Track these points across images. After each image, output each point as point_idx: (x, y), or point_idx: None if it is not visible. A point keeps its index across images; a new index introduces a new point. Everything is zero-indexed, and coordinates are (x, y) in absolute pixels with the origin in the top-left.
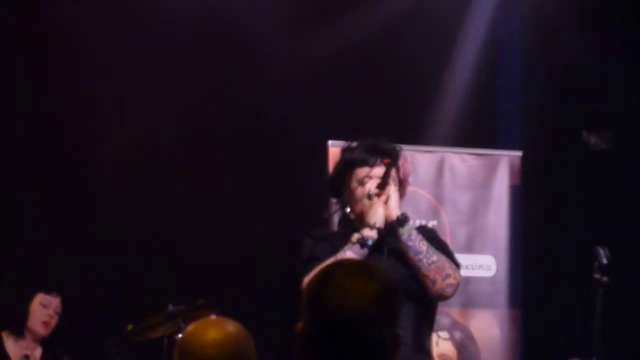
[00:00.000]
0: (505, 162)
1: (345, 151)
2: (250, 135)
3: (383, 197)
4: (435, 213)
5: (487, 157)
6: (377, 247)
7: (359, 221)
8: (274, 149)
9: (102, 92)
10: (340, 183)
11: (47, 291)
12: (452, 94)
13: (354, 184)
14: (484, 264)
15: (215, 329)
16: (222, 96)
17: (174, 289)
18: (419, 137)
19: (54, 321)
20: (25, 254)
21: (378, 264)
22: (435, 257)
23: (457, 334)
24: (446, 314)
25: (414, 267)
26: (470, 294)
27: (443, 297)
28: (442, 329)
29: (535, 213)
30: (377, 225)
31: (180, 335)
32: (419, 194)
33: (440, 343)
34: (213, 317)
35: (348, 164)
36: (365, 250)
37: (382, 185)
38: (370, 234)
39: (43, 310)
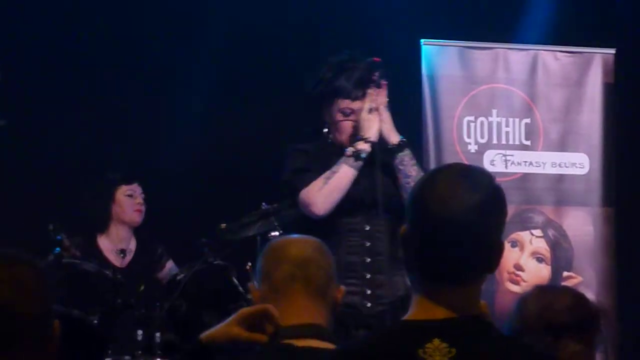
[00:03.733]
0: (598, 60)
1: (332, 72)
2: (344, 31)
3: (379, 114)
4: (528, 111)
5: (581, 54)
6: (368, 162)
7: (344, 139)
8: (367, 48)
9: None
10: (322, 103)
11: (128, 182)
12: None
13: (336, 112)
14: (577, 162)
15: (303, 237)
16: None
17: (268, 188)
18: (512, 35)
19: (144, 208)
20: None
21: (481, 170)
22: None
23: (551, 232)
24: (540, 212)
25: (401, 188)
26: (563, 192)
27: None
28: (535, 227)
29: (629, 111)
30: (372, 139)
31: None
32: (513, 92)
33: (534, 241)
34: None
35: (331, 93)
36: (360, 163)
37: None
38: (365, 147)
39: (131, 200)
